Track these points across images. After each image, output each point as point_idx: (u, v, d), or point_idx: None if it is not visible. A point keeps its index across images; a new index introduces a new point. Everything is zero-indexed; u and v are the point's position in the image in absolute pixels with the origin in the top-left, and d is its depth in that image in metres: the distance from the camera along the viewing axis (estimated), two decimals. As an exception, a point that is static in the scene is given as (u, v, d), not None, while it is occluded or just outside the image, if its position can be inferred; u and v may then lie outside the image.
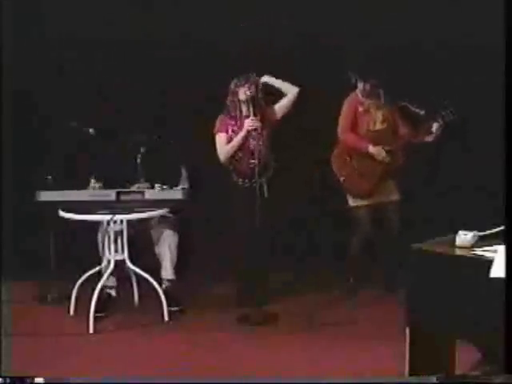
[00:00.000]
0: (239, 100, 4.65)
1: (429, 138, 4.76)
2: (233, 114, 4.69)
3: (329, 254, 5.33)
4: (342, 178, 4.91)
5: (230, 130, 4.70)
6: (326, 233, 5.45)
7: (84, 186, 4.63)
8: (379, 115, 4.85)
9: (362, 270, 5.02)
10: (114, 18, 5.28)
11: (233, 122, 4.69)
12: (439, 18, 5.08)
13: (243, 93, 4.62)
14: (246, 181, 4.66)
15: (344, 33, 5.18)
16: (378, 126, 4.87)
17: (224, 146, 4.70)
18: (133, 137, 4.88)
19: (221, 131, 4.71)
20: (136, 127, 4.87)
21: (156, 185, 4.60)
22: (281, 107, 4.74)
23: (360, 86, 4.82)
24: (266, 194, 4.50)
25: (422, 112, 4.75)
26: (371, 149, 4.82)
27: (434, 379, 2.70)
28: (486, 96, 4.92)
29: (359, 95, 4.85)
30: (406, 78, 4.92)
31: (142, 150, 4.86)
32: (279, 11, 5.24)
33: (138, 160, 4.85)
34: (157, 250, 4.73)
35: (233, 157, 4.70)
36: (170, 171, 4.80)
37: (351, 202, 4.91)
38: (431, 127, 4.71)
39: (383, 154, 4.80)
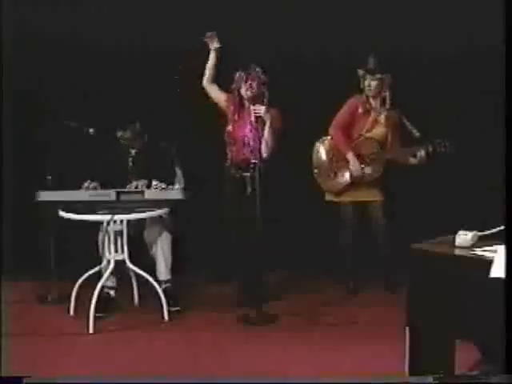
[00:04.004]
0: (241, 96, 4.68)
1: (412, 161, 4.75)
2: (234, 106, 4.74)
3: (327, 252, 5.32)
4: (315, 170, 4.96)
5: (230, 110, 4.76)
6: (325, 231, 5.45)
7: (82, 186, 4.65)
8: (378, 121, 4.85)
9: (361, 269, 5.04)
10: (113, 19, 5.30)
11: (232, 114, 4.75)
12: (439, 21, 5.10)
13: (245, 91, 4.64)
14: (241, 174, 4.70)
15: (344, 37, 5.18)
16: (372, 134, 4.86)
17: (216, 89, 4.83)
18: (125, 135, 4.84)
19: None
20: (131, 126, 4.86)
21: (153, 182, 4.60)
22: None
23: (367, 82, 4.78)
24: (262, 189, 4.47)
25: (418, 134, 4.73)
26: (350, 156, 4.82)
27: (433, 379, 2.71)
28: (486, 95, 4.93)
29: (364, 96, 4.84)
30: (405, 81, 4.92)
31: (133, 150, 4.85)
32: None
33: (130, 162, 4.84)
34: (151, 251, 4.74)
35: (230, 150, 4.75)
36: (165, 170, 4.79)
37: (326, 196, 4.99)
38: (418, 151, 4.69)
39: (358, 169, 4.80)
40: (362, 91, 4.86)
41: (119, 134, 4.80)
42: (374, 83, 4.79)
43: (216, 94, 4.86)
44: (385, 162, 4.85)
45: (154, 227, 4.70)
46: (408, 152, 4.77)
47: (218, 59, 4.83)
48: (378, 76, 4.77)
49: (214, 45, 4.82)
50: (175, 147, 4.94)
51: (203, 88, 4.88)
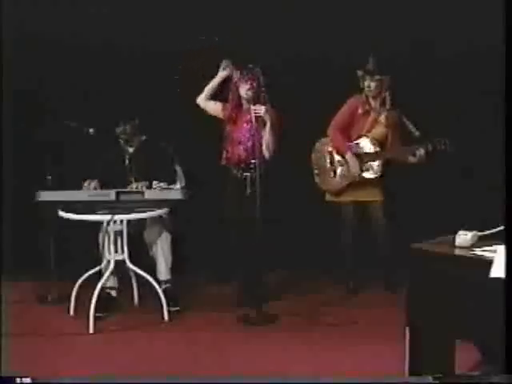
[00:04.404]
0: (239, 96, 4.69)
1: (412, 160, 4.74)
2: (233, 105, 4.75)
3: (327, 252, 5.32)
4: (315, 171, 4.98)
5: (227, 111, 4.77)
6: (325, 231, 5.45)
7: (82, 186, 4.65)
8: (378, 121, 4.85)
9: (361, 269, 5.04)
10: (113, 19, 5.30)
11: (230, 113, 4.76)
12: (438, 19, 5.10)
13: (245, 91, 4.64)
14: (241, 174, 4.71)
15: (344, 36, 5.18)
16: (372, 134, 4.87)
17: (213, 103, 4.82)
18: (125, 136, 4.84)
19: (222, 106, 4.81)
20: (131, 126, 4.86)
21: (154, 182, 4.59)
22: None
23: (367, 83, 4.79)
24: (262, 189, 4.46)
25: (417, 134, 4.74)
26: (349, 156, 4.83)
27: (433, 379, 2.71)
28: (486, 95, 4.93)
29: (363, 96, 4.84)
30: (405, 81, 4.91)
31: (130, 149, 4.85)
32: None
33: (127, 160, 4.84)
34: (151, 252, 4.74)
35: (225, 149, 4.76)
36: (165, 170, 4.79)
37: (326, 196, 5.02)
38: (417, 150, 4.68)
39: (357, 170, 4.82)
40: (361, 91, 4.86)
41: (118, 129, 4.79)
42: (373, 84, 4.78)
43: (212, 108, 4.84)
44: (385, 162, 4.85)
45: (154, 227, 4.70)
46: (408, 151, 4.77)
47: (221, 82, 4.82)
48: (377, 77, 4.77)
49: (228, 72, 4.76)
50: (173, 147, 4.94)
51: (198, 105, 4.88)
